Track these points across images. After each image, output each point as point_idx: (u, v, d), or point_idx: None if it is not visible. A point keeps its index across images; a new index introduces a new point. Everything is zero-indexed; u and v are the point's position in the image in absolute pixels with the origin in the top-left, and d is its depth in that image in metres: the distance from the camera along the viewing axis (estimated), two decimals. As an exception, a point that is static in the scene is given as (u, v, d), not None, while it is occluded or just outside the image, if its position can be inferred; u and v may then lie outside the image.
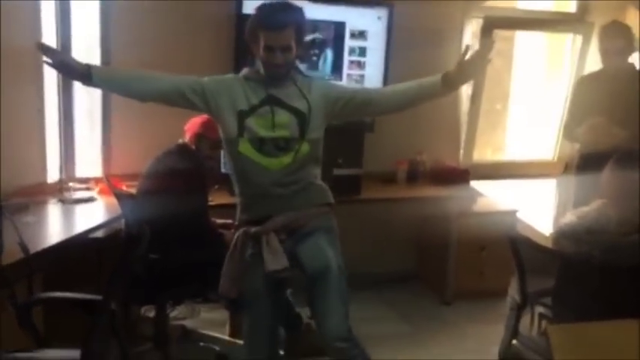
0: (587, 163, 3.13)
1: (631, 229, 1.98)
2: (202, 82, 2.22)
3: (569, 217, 2.17)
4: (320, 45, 3.69)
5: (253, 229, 2.26)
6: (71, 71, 2.13)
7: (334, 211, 2.38)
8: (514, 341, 2.39)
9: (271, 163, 2.19)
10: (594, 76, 3.39)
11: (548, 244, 2.32)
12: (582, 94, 3.37)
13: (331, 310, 2.22)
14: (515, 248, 2.35)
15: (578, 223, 2.10)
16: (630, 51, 3.24)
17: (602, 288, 1.98)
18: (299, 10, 2.17)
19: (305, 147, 2.20)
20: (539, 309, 2.36)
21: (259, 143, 2.18)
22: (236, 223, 2.38)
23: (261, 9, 2.16)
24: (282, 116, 2.19)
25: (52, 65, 2.12)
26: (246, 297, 2.32)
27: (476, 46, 4.09)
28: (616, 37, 3.22)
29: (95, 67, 2.18)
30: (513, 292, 2.45)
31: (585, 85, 3.41)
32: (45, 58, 2.10)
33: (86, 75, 2.11)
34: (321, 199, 2.34)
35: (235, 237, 2.31)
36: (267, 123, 2.17)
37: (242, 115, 2.17)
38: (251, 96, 2.19)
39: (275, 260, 2.18)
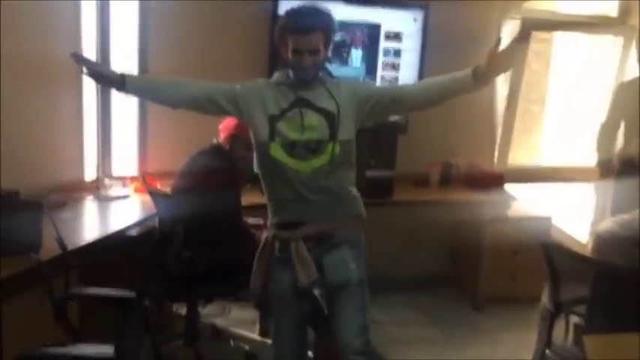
0: (626, 169, 3.03)
1: None
2: (234, 89, 2.23)
3: (609, 225, 2.11)
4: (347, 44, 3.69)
5: (282, 235, 2.24)
6: (106, 80, 2.18)
7: (364, 223, 2.34)
8: (547, 351, 2.34)
9: (302, 167, 2.16)
10: (635, 82, 3.26)
11: (584, 252, 2.27)
12: (621, 100, 3.26)
13: (349, 323, 2.22)
14: (548, 255, 2.31)
15: (621, 232, 2.04)
16: None
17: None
18: (327, 14, 2.17)
19: (336, 149, 2.17)
20: (574, 318, 2.31)
21: (291, 147, 2.16)
22: (267, 224, 2.37)
23: (289, 13, 2.17)
24: (312, 118, 2.17)
25: (88, 74, 2.16)
26: (273, 301, 2.32)
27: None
28: None
29: (129, 75, 2.20)
30: (546, 299, 2.41)
31: (626, 90, 3.30)
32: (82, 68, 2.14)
33: (120, 83, 2.14)
34: (353, 210, 2.30)
35: (264, 238, 2.31)
36: (297, 125, 2.16)
37: (273, 120, 2.17)
38: (281, 100, 2.19)
39: (305, 272, 2.17)
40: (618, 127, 3.17)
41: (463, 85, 2.17)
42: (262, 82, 2.28)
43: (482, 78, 2.11)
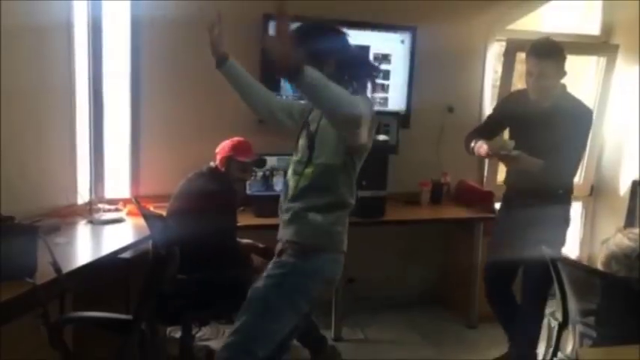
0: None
1: None
2: (291, 103, 2.46)
3: (620, 239, 2.12)
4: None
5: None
6: (215, 50, 2.25)
7: (299, 249, 2.16)
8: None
9: (292, 186, 2.21)
10: (522, 94, 2.96)
11: (592, 265, 2.29)
12: (502, 109, 3.09)
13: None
14: (556, 268, 2.34)
15: (633, 245, 2.05)
16: (556, 76, 2.78)
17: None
18: None
19: (308, 171, 2.13)
20: (580, 328, 2.33)
21: (295, 165, 2.24)
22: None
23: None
24: (303, 138, 2.22)
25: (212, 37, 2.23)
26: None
27: (499, 68, 4.12)
28: (539, 57, 2.75)
29: (232, 61, 2.27)
30: (554, 311, 2.44)
31: (510, 101, 3.06)
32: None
33: (221, 60, 2.24)
34: (292, 235, 2.17)
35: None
36: (298, 145, 2.25)
37: (297, 136, 2.29)
38: (305, 116, 2.30)
39: None
40: (492, 128, 3.05)
41: None
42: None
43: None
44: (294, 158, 2.23)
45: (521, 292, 3.02)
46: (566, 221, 2.97)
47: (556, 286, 2.38)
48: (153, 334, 2.89)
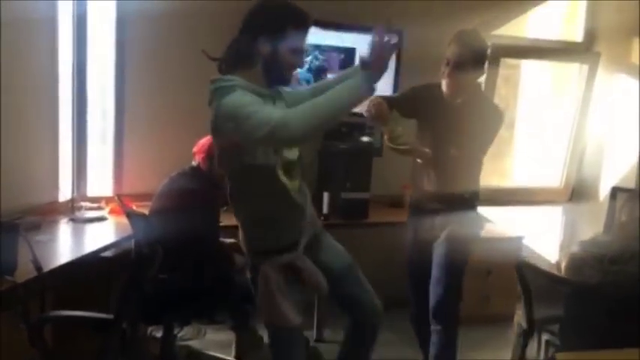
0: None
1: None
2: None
3: (581, 245, 2.14)
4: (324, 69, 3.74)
5: (286, 260, 2.09)
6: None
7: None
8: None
9: (293, 186, 2.09)
10: (434, 87, 2.77)
11: (556, 271, 2.32)
12: (414, 97, 2.83)
13: (369, 290, 2.35)
14: (522, 274, 2.36)
15: (593, 250, 2.07)
16: (474, 70, 2.60)
17: (616, 317, 1.95)
18: None
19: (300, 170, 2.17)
20: (545, 336, 2.36)
21: (288, 166, 2.07)
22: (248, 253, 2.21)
23: (287, 6, 1.97)
24: None
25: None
26: (289, 332, 2.14)
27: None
28: (462, 46, 2.57)
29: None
30: (520, 318, 2.45)
31: (422, 92, 2.84)
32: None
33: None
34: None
35: (265, 274, 2.08)
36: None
37: None
38: None
39: (321, 279, 2.16)
40: (401, 106, 2.71)
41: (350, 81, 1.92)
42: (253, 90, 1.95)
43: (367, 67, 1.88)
44: (293, 155, 2.09)
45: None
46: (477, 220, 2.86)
47: (521, 292, 2.39)
48: (134, 333, 2.87)
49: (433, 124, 2.70)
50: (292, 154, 2.10)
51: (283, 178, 2.03)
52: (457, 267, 2.77)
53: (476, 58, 2.57)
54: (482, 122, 2.60)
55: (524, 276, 2.34)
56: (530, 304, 2.35)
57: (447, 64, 2.62)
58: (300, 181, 2.16)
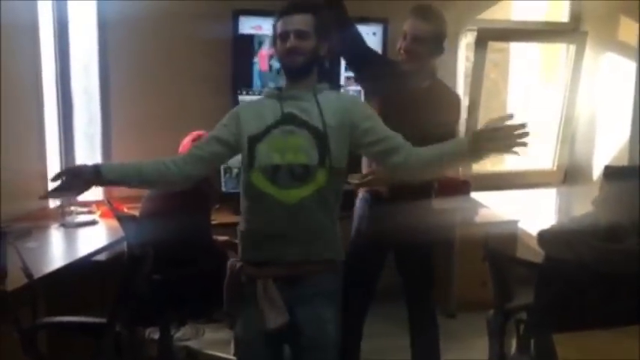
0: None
1: (621, 237, 1.92)
2: (223, 122, 1.98)
3: (558, 223, 2.10)
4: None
5: (248, 271, 1.97)
6: (82, 186, 1.90)
7: (341, 267, 2.02)
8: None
9: (285, 196, 1.84)
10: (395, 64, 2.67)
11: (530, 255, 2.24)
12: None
13: None
14: (492, 262, 2.30)
15: (571, 225, 2.01)
16: (431, 46, 2.53)
17: (587, 293, 1.84)
18: (317, 2, 2.00)
19: (323, 177, 1.85)
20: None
21: (272, 172, 1.85)
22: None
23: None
24: (298, 137, 1.86)
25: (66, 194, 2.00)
26: (240, 347, 2.07)
27: (470, 57, 4.13)
28: (419, 18, 2.51)
29: (103, 164, 2.00)
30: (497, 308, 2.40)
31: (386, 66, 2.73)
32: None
33: (95, 174, 1.88)
34: (331, 253, 1.96)
35: (230, 265, 2.04)
36: (280, 146, 1.85)
37: (252, 141, 1.87)
38: (267, 116, 1.89)
39: (274, 315, 1.87)
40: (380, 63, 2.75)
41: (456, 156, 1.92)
42: (248, 101, 2.10)
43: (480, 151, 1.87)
44: (282, 160, 1.85)
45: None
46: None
47: (494, 280, 2.33)
48: (131, 336, 2.86)
49: (397, 105, 2.48)
50: (279, 157, 1.85)
51: (260, 183, 1.86)
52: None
53: (433, 30, 2.51)
54: (442, 107, 2.56)
55: (494, 262, 2.28)
56: (503, 292, 2.28)
57: (404, 37, 2.54)
58: (311, 196, 1.86)
